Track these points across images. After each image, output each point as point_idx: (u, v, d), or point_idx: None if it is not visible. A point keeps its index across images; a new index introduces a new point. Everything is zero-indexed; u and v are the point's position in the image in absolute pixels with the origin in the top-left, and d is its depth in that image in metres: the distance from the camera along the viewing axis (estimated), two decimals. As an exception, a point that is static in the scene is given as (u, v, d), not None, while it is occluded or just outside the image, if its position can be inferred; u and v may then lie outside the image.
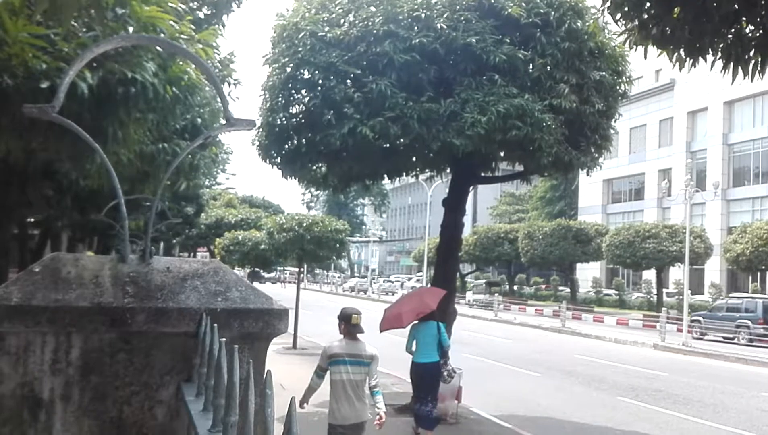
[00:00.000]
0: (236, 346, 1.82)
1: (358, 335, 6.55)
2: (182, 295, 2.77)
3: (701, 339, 29.04)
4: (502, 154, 11.86)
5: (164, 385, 2.78)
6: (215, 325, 2.30)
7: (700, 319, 30.98)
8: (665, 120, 61.00)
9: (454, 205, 12.38)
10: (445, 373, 9.59)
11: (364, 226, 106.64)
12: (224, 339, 2.02)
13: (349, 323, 6.52)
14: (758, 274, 44.44)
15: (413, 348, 9.74)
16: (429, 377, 9.59)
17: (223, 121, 3.47)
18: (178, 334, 2.73)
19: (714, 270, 51.04)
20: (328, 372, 6.44)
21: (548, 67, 10.24)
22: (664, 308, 31.42)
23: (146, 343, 2.74)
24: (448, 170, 13.12)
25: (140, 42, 5.01)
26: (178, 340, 2.74)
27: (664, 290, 46.15)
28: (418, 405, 9.66)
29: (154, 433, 2.76)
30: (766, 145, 51.99)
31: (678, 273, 44.38)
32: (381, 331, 10.27)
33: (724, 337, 28.98)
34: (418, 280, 66.70)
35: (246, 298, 2.82)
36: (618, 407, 13.66)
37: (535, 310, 45.98)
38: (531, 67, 10.26)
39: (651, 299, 46.52)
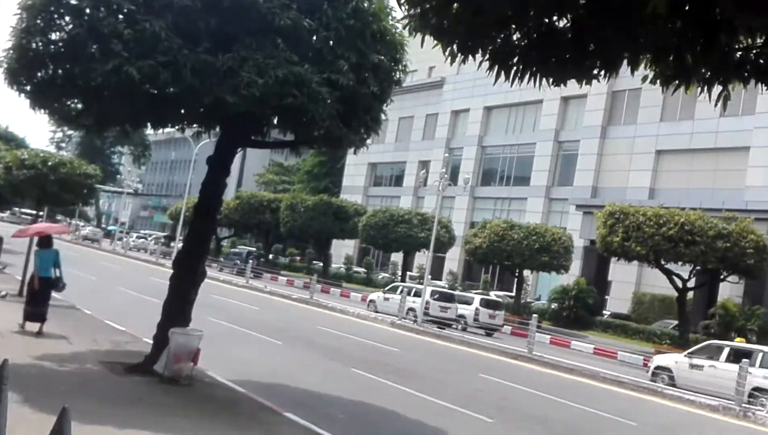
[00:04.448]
0: None
1: None
2: None
3: (221, 271, 46.71)
4: (275, 121, 11.71)
5: None
6: None
7: (222, 259, 51.23)
8: (431, 115, 64.83)
9: (218, 165, 12.02)
10: (60, 285, 13.59)
11: (119, 176, 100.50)
12: None
13: None
14: (491, 266, 48.94)
15: (38, 265, 13.37)
16: (47, 287, 13.30)
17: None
18: None
19: (453, 259, 55.38)
20: None
21: (331, 42, 10.25)
22: (405, 290, 33.39)
23: None
24: (218, 129, 12.70)
25: None
26: None
27: (408, 273, 49.17)
28: (30, 307, 13.17)
29: None
30: (513, 152, 57.32)
31: (422, 258, 47.44)
32: (12, 237, 14.93)
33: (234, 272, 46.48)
34: (162, 240, 64.21)
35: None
36: (351, 378, 14.28)
37: (287, 280, 46.61)
38: (314, 38, 10.21)
39: (396, 280, 49.27)
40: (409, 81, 64.23)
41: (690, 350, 21.44)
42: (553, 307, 39.07)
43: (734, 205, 33.22)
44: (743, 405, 17.02)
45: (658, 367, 21.28)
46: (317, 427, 9.31)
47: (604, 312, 40.54)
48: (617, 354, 27.78)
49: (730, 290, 34.06)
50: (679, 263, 30.93)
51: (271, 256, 61.23)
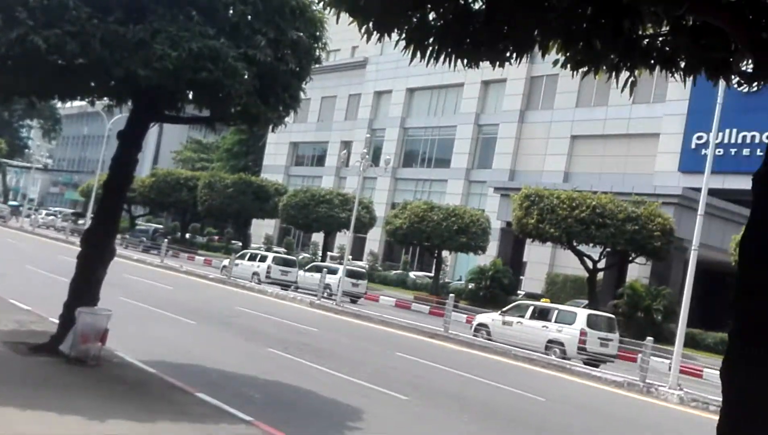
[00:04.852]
0: None
1: None
2: None
3: (126, 248, 42.97)
4: (190, 96, 11.43)
5: None
6: None
7: (127, 236, 49.47)
8: (354, 95, 64.59)
9: (130, 140, 11.63)
10: None
11: (27, 151, 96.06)
12: None
13: None
14: (410, 247, 49.42)
15: None
16: None
17: None
18: None
19: (375, 240, 55.62)
20: None
21: (249, 16, 10.04)
22: (324, 269, 33.36)
23: None
24: (130, 103, 12.30)
25: None
26: None
27: (329, 253, 49.12)
28: None
29: None
30: (435, 134, 57.83)
31: (343, 239, 47.47)
32: None
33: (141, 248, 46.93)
34: (70, 217, 61.95)
35: None
36: (267, 358, 14.20)
37: (205, 260, 45.79)
38: (231, 11, 10.00)
39: (316, 261, 49.18)
40: (332, 60, 63.90)
41: (504, 309, 24.72)
42: (470, 287, 39.75)
43: (643, 190, 34.46)
44: (646, 381, 17.84)
45: (479, 324, 24.54)
46: (230, 407, 9.22)
47: (518, 292, 41.54)
48: (530, 333, 28.55)
49: (638, 271, 35.50)
50: (591, 245, 31.98)
51: (188, 236, 60.05)
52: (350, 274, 34.28)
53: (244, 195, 50.44)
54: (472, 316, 31.05)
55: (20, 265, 25.21)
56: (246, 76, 9.64)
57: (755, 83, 5.14)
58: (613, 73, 5.19)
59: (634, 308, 31.10)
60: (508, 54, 5.28)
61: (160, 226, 60.70)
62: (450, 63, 5.43)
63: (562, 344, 21.57)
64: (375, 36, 5.50)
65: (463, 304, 34.87)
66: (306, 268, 36.17)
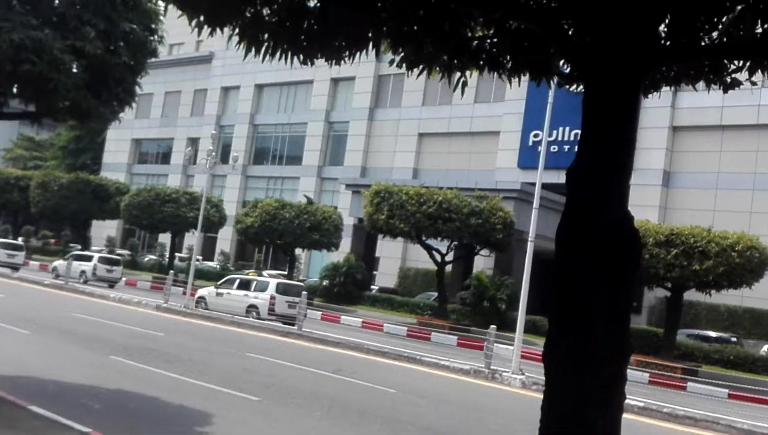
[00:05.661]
0: None
1: None
2: None
3: None
4: (14, 90, 10.65)
5: None
6: None
7: None
8: (200, 90, 62.84)
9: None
10: None
11: None
12: None
13: None
14: (263, 246, 48.85)
15: None
16: None
17: None
18: None
19: (226, 239, 54.52)
20: None
21: (77, 6, 9.53)
22: (171, 271, 32.28)
23: None
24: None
25: None
26: None
27: (177, 254, 47.54)
28: None
29: None
30: (285, 131, 57.47)
31: (192, 239, 46.14)
32: None
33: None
34: None
35: None
36: (108, 366, 13.52)
37: (40, 265, 42.90)
38: (57, 1, 9.44)
39: (164, 262, 47.42)
40: (175, 54, 61.89)
41: (218, 283, 29.24)
42: (324, 283, 39.84)
43: (486, 185, 35.97)
44: (491, 368, 18.69)
45: (199, 298, 28.27)
46: (66, 419, 8.69)
47: (372, 287, 42.16)
48: (383, 326, 29.13)
49: (483, 263, 37.09)
50: (439, 239, 33.01)
51: (21, 239, 55.99)
52: (106, 260, 37.66)
53: (82, 195, 47.75)
54: (327, 314, 31.30)
55: None
56: (74, 70, 9.14)
57: (574, 84, 5.48)
58: (446, 74, 5.36)
59: (480, 298, 32.46)
60: (343, 52, 5.31)
61: None
62: (286, 60, 5.39)
63: (257, 308, 26.07)
64: (207, 30, 5.36)
65: (318, 301, 34.95)
66: (65, 257, 38.63)
